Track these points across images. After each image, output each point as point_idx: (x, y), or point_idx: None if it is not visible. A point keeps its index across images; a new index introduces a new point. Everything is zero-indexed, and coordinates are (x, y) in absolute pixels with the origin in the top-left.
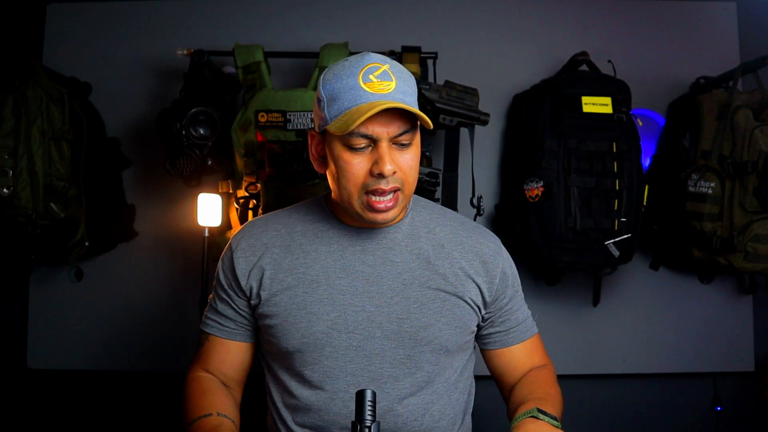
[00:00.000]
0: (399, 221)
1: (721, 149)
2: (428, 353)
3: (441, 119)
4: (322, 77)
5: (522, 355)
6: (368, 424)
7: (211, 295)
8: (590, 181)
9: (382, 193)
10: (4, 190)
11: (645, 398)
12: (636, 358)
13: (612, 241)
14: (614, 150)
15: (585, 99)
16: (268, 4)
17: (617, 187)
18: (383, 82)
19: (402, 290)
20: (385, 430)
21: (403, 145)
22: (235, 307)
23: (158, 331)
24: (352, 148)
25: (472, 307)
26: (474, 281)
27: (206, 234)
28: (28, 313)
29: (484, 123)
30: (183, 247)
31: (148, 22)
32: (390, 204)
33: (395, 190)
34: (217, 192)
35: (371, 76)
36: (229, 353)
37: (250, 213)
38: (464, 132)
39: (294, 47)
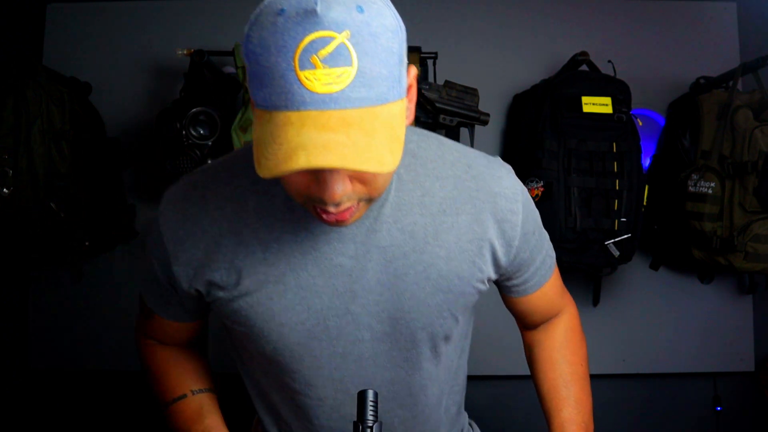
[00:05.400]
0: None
1: (721, 149)
2: (427, 351)
3: (441, 119)
4: (246, 26)
5: (541, 302)
6: (370, 425)
7: (148, 263)
8: (590, 181)
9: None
10: (4, 190)
11: (645, 398)
12: (636, 358)
13: (612, 241)
14: (614, 150)
15: (585, 99)
16: None
17: (617, 187)
18: (333, 72)
19: (393, 283)
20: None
21: None
22: (181, 300)
23: None
24: None
25: (478, 289)
26: (484, 255)
27: None
28: (28, 313)
29: (484, 123)
30: None
31: (148, 22)
32: (345, 216)
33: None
34: None
35: (315, 58)
36: (181, 331)
37: None
38: (464, 132)
39: None
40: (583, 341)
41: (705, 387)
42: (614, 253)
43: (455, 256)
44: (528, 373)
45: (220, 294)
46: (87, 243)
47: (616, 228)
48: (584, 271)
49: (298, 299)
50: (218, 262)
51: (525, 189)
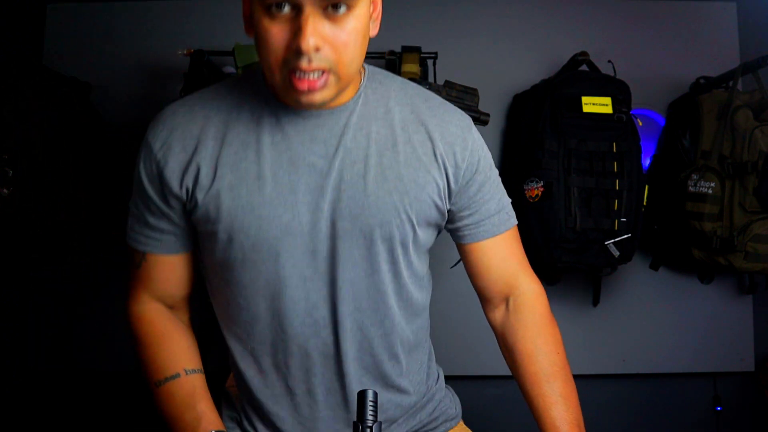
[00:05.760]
0: (350, 101)
1: (721, 149)
2: (384, 252)
3: None
4: None
5: (495, 255)
6: (369, 424)
7: (132, 206)
8: (590, 181)
9: (303, 72)
10: (4, 190)
11: (645, 398)
12: (636, 358)
13: (612, 241)
14: (614, 150)
15: (585, 99)
16: None
17: (617, 187)
18: None
19: (356, 182)
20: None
21: (336, 9)
22: (171, 216)
23: None
24: (269, 12)
25: (434, 201)
26: (438, 168)
27: None
28: (28, 313)
29: (484, 123)
30: None
31: (148, 22)
32: (316, 84)
33: (323, 71)
34: None
35: None
36: (174, 270)
37: None
38: None
39: None
40: (554, 326)
41: (705, 387)
42: (614, 253)
43: (411, 163)
44: None
45: (201, 196)
46: (87, 243)
47: (616, 228)
48: (584, 271)
49: (275, 194)
50: (204, 159)
51: (480, 137)
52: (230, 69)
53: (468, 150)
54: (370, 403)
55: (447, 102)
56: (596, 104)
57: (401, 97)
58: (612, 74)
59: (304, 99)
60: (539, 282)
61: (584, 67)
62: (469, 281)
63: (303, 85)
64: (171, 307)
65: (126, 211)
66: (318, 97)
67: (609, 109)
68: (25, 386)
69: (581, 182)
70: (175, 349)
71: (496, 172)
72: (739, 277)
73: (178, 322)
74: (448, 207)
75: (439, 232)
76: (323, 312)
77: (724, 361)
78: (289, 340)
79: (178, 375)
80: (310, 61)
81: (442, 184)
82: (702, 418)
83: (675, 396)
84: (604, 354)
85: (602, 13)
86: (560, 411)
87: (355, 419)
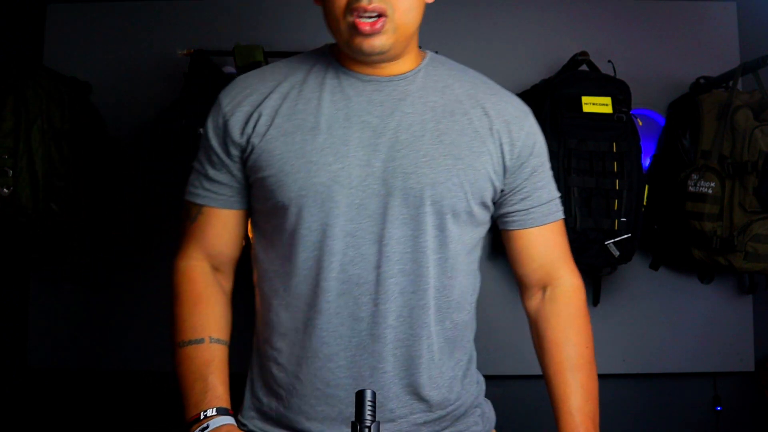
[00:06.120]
0: (410, 72)
1: (721, 149)
2: (432, 214)
3: None
4: None
5: (540, 244)
6: (368, 424)
7: (195, 163)
8: (590, 181)
9: (364, 11)
10: (4, 190)
11: (645, 398)
12: (636, 358)
13: (612, 241)
14: (614, 150)
15: (585, 99)
16: (268, 4)
17: (617, 187)
18: None
19: (411, 142)
20: (383, 293)
21: None
22: (230, 167)
23: (158, 330)
24: None
25: (488, 173)
26: (493, 142)
27: None
28: (28, 313)
29: None
30: None
31: (148, 22)
32: (377, 26)
33: (380, 15)
34: None
35: None
36: (227, 225)
37: None
38: None
39: (294, 47)
40: (587, 321)
41: (705, 387)
42: (614, 253)
43: (468, 133)
44: (533, 372)
45: (257, 141)
46: (87, 243)
47: (616, 228)
48: (584, 271)
49: (327, 143)
50: (265, 109)
51: (536, 123)
52: (230, 69)
53: (524, 131)
54: (369, 403)
55: (504, 89)
56: (596, 104)
57: (461, 76)
58: (612, 74)
59: (366, 44)
60: (580, 277)
61: (584, 67)
62: (490, 280)
63: (365, 26)
64: (217, 269)
65: (126, 211)
66: (377, 42)
67: (609, 109)
68: (25, 386)
69: (581, 182)
70: (209, 314)
71: (550, 165)
72: (739, 277)
73: (219, 289)
74: (501, 186)
75: (489, 221)
76: (359, 270)
77: (723, 361)
78: (321, 294)
79: (202, 340)
80: (370, 1)
81: (497, 158)
82: (702, 418)
83: (675, 396)
84: (604, 354)
85: (602, 13)
86: (578, 401)
87: (354, 419)
